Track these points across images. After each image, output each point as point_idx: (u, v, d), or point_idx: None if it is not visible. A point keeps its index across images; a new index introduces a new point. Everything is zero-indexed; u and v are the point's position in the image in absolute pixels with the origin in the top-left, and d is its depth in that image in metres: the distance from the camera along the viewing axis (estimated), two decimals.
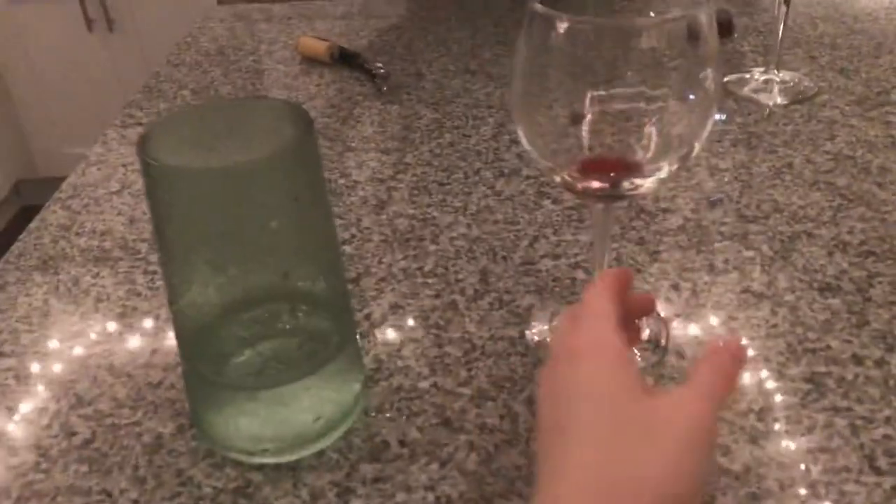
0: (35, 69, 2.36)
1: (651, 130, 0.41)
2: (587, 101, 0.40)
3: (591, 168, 0.42)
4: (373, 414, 0.47)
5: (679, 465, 0.31)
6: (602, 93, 0.40)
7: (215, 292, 0.39)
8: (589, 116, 0.41)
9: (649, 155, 0.42)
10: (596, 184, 0.43)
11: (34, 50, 2.34)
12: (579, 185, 0.44)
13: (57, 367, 0.52)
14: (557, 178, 0.44)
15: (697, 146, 0.42)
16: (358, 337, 0.47)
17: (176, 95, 0.89)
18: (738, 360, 0.35)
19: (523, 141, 0.43)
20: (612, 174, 0.42)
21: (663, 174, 0.42)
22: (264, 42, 1.02)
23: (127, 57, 2.32)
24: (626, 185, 0.43)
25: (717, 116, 0.80)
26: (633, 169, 0.42)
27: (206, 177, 0.36)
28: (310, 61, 0.95)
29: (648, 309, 0.43)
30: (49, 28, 2.32)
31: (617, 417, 0.31)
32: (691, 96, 0.41)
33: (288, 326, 0.43)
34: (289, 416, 0.42)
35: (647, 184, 0.43)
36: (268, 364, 0.42)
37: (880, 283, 0.55)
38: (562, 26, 0.38)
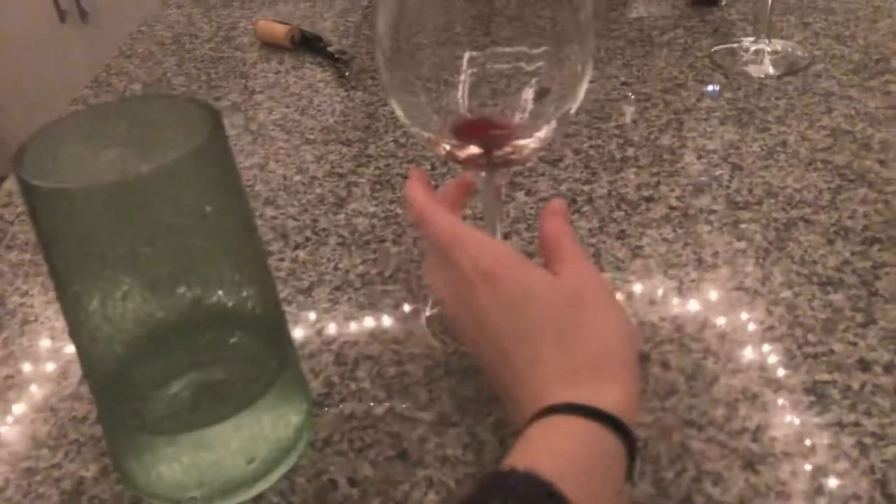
0: (8, 61, 2.29)
1: (527, 91, 0.39)
2: (463, 64, 0.38)
3: (469, 134, 0.40)
4: (320, 447, 0.42)
5: (619, 325, 0.36)
6: (476, 54, 0.38)
7: (121, 325, 0.34)
8: (465, 79, 0.38)
9: (526, 116, 0.40)
10: (474, 150, 0.40)
11: (6, 41, 2.27)
12: (461, 154, 0.41)
13: None
14: (441, 151, 0.41)
15: (575, 105, 0.40)
16: (300, 359, 0.42)
17: (126, 90, 0.83)
18: (565, 214, 0.41)
19: (399, 113, 0.40)
20: (488, 139, 0.40)
21: (542, 134, 0.40)
22: (223, 28, 0.96)
23: (102, 48, 2.25)
24: (506, 149, 0.40)
25: (709, 87, 0.75)
26: (512, 132, 0.40)
27: (96, 195, 0.31)
28: (269, 47, 0.89)
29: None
30: (21, 19, 2.25)
31: (555, 312, 0.35)
32: (567, 52, 0.39)
33: (212, 357, 0.37)
34: (217, 459, 0.36)
35: (527, 146, 0.41)
36: (192, 402, 0.37)
37: (887, 273, 0.50)
38: None
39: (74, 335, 0.34)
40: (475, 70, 0.39)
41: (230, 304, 0.36)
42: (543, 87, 0.39)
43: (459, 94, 0.39)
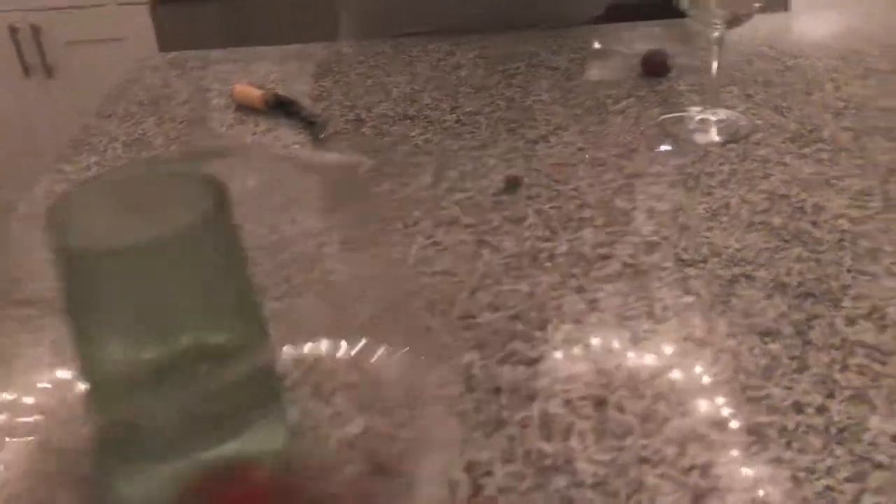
0: None
1: None
2: None
3: None
4: None
5: None
6: None
7: (127, 365, 0.37)
8: None
9: None
10: None
11: None
12: None
13: None
14: None
15: None
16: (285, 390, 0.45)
17: (106, 148, 0.86)
18: None
19: None
20: None
21: None
22: (199, 90, 1.00)
23: (66, 103, 2.28)
24: None
25: (663, 147, 0.80)
26: None
27: (116, 256, 0.34)
28: (245, 109, 0.93)
29: None
30: None
31: None
32: None
33: (208, 390, 0.41)
34: None
35: None
36: (187, 430, 0.40)
37: (819, 325, 0.55)
38: None
39: (84, 371, 0.37)
40: None
41: (231, 345, 0.39)
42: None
43: None
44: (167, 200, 0.36)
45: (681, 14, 0.81)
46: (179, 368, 0.38)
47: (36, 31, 2.22)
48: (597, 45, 1.06)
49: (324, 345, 0.55)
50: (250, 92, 0.93)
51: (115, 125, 0.92)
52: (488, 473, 0.45)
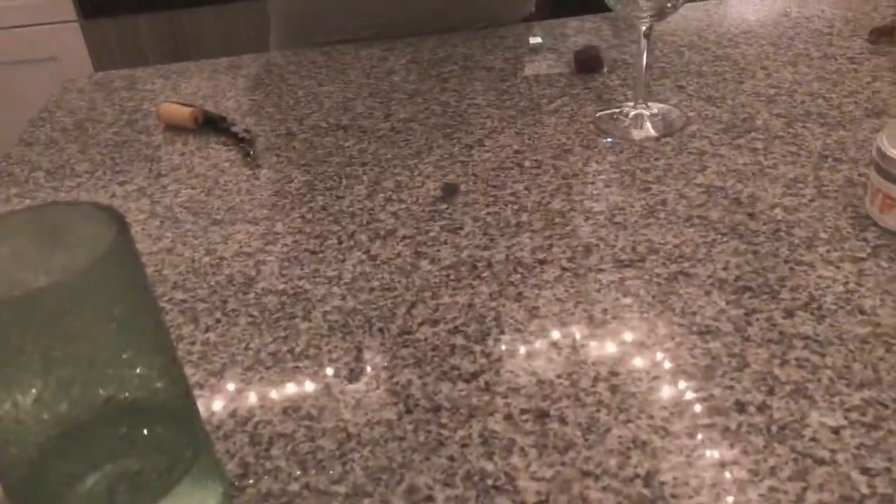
0: None
1: None
2: None
3: None
4: None
5: None
6: None
7: (33, 427, 0.35)
8: None
9: None
10: None
11: None
12: None
13: None
14: None
15: None
16: (213, 443, 0.43)
17: (28, 179, 0.83)
18: None
19: None
20: None
21: None
22: (126, 111, 0.97)
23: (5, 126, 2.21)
24: None
25: (608, 140, 0.79)
26: None
27: (2, 308, 0.32)
28: (174, 129, 0.91)
29: None
30: None
31: None
32: None
33: (126, 449, 0.38)
34: None
35: None
36: (108, 495, 0.38)
37: (757, 320, 0.54)
38: None
39: None
40: None
41: (142, 398, 0.37)
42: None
43: None
44: (60, 237, 0.34)
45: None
46: (89, 428, 0.36)
47: None
48: (531, 43, 1.06)
49: (257, 388, 0.53)
50: (178, 110, 0.91)
51: (38, 153, 0.88)
52: (429, 499, 0.44)
